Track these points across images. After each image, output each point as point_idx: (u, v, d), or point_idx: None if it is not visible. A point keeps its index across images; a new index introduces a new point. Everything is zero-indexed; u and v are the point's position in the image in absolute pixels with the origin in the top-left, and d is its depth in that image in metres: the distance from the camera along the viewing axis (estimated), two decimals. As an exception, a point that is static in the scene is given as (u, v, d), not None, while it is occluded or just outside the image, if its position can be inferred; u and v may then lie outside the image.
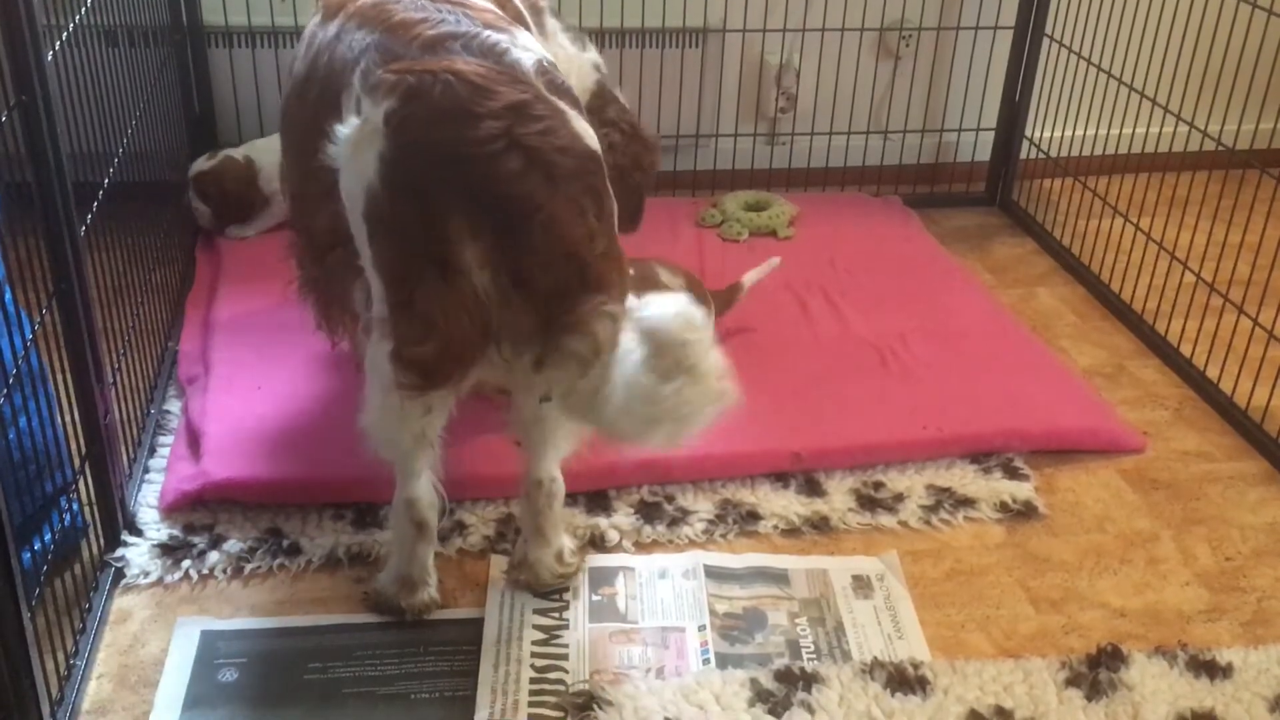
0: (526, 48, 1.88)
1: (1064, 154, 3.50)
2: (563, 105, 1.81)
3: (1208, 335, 2.81)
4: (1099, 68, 3.26)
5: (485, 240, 1.73)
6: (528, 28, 2.31)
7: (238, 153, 3.17)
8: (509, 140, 1.71)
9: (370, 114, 1.78)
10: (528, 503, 2.09)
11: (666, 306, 1.66)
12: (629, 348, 1.72)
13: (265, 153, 3.16)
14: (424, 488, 1.99)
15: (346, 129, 1.84)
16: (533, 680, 1.96)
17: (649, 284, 2.52)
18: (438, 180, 1.73)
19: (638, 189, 2.64)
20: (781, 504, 2.35)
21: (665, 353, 1.65)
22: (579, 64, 2.59)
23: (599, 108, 2.59)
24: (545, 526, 2.09)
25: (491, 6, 2.03)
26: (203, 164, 3.13)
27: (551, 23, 2.56)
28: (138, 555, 2.16)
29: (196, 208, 3.15)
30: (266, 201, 3.17)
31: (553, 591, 2.13)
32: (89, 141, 2.19)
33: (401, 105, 1.74)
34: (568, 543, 2.15)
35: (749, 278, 2.85)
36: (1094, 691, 1.95)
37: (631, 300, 1.77)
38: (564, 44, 2.56)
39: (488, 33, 1.86)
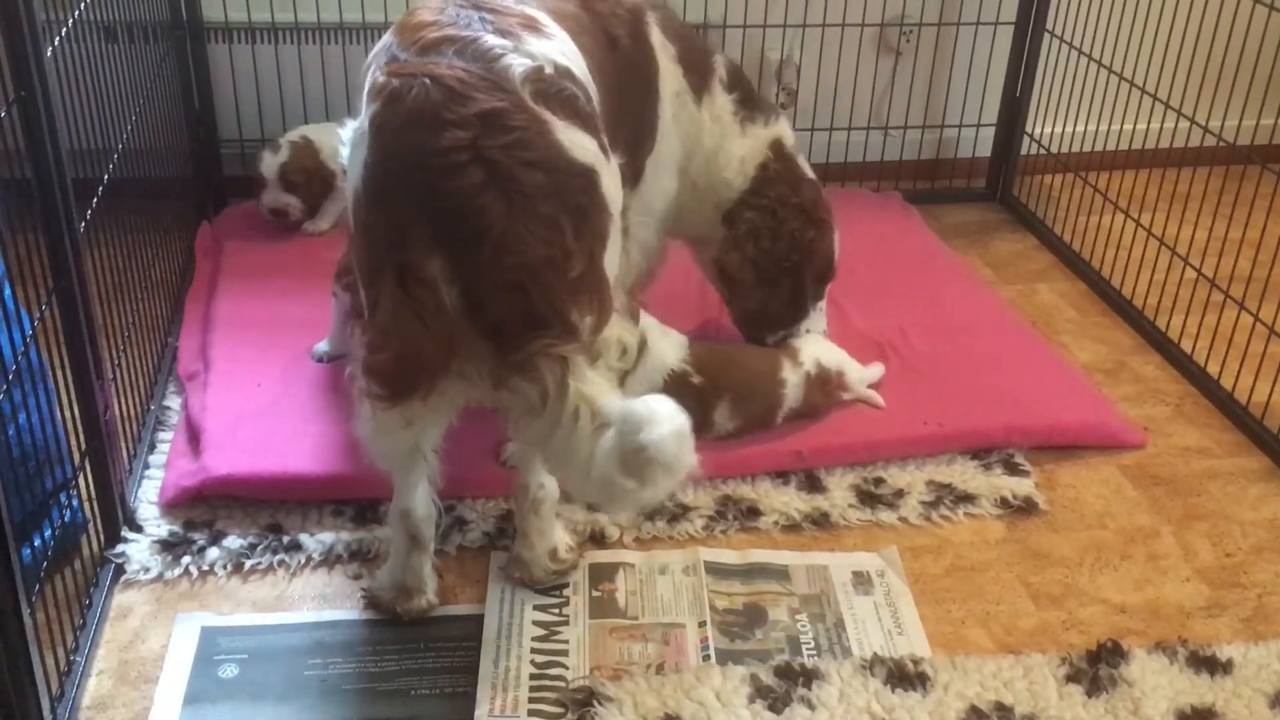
0: (529, 54, 1.79)
1: (1064, 150, 3.49)
2: (547, 115, 1.73)
3: (1208, 331, 2.80)
4: (1099, 63, 3.26)
5: (445, 254, 1.69)
6: (642, 52, 2.25)
7: (295, 135, 3.14)
8: (473, 152, 1.66)
9: (363, 117, 1.78)
10: (516, 505, 2.10)
11: (662, 422, 1.60)
12: (607, 437, 1.64)
13: (319, 131, 3.14)
14: (419, 500, 1.98)
15: (346, 132, 1.84)
16: (533, 676, 1.96)
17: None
18: (404, 186, 1.70)
19: (797, 270, 2.54)
20: (782, 500, 2.35)
21: (650, 463, 1.60)
22: (746, 141, 2.48)
23: (759, 185, 2.50)
24: (530, 531, 2.09)
25: (533, 13, 1.94)
26: (275, 158, 3.08)
27: (719, 93, 2.46)
28: (138, 551, 2.16)
29: (284, 204, 3.10)
30: (331, 183, 3.12)
31: (552, 587, 2.13)
32: (88, 137, 2.18)
33: (382, 109, 1.72)
34: (562, 541, 2.14)
35: (847, 394, 2.59)
36: (1094, 687, 1.95)
37: (612, 400, 1.68)
38: (721, 116, 2.46)
39: (488, 37, 1.78)
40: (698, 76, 2.44)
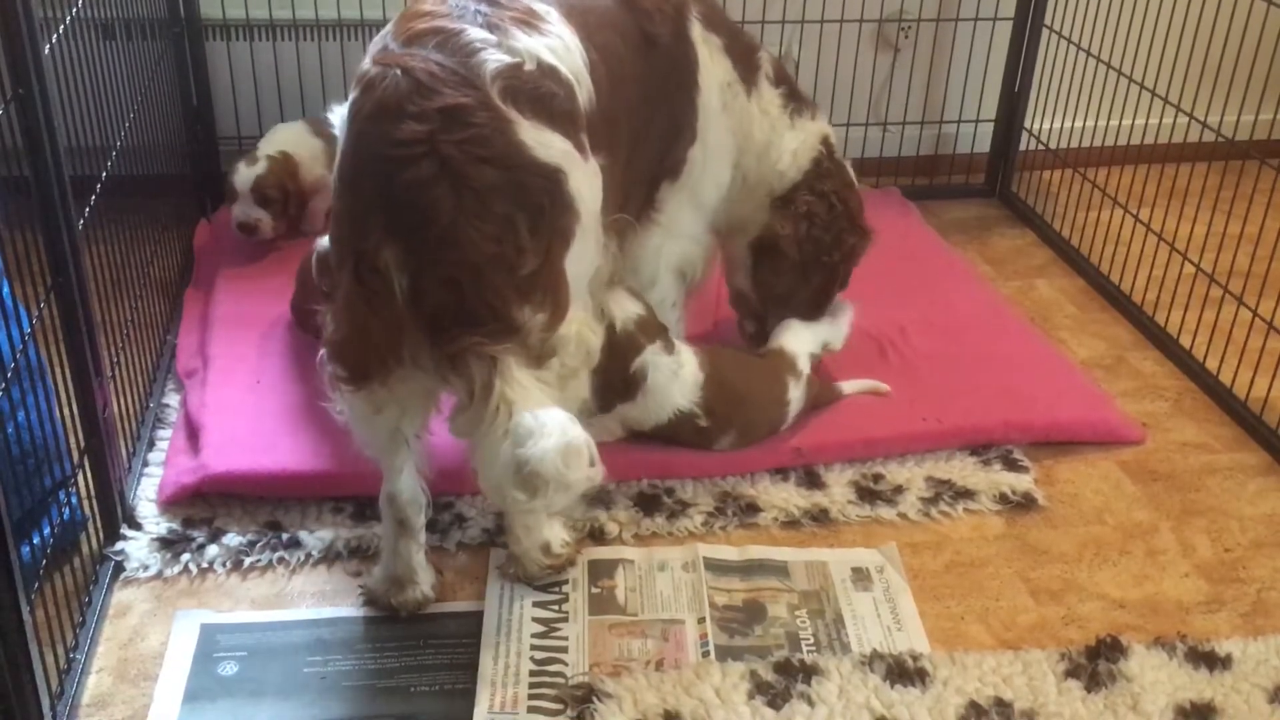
0: (511, 50, 1.79)
1: (1063, 145, 3.49)
2: (512, 113, 1.74)
3: (1207, 326, 2.80)
4: (1098, 59, 3.26)
5: (398, 244, 1.71)
6: (674, 49, 2.22)
7: (274, 150, 3.02)
8: (428, 145, 1.67)
9: (349, 102, 1.80)
10: None
11: (548, 437, 1.61)
12: (504, 446, 1.65)
13: (298, 142, 3.06)
14: (404, 485, 1.98)
15: (336, 117, 1.86)
16: (532, 673, 1.96)
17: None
18: (367, 175, 1.73)
19: (832, 270, 2.54)
20: (781, 496, 2.35)
21: (535, 477, 1.62)
22: (797, 133, 2.47)
23: (814, 177, 2.50)
24: (515, 525, 2.09)
25: (537, 6, 1.93)
26: (250, 170, 2.96)
27: (766, 87, 2.45)
28: (137, 549, 2.16)
29: (255, 219, 2.96)
30: (313, 191, 3.04)
31: (550, 583, 2.13)
32: (86, 135, 2.18)
33: (359, 96, 1.75)
34: (555, 536, 2.14)
35: (849, 386, 2.61)
36: (1093, 683, 1.95)
37: (515, 412, 1.69)
38: (770, 110, 2.45)
39: (472, 31, 1.79)
40: (745, 69, 2.43)
